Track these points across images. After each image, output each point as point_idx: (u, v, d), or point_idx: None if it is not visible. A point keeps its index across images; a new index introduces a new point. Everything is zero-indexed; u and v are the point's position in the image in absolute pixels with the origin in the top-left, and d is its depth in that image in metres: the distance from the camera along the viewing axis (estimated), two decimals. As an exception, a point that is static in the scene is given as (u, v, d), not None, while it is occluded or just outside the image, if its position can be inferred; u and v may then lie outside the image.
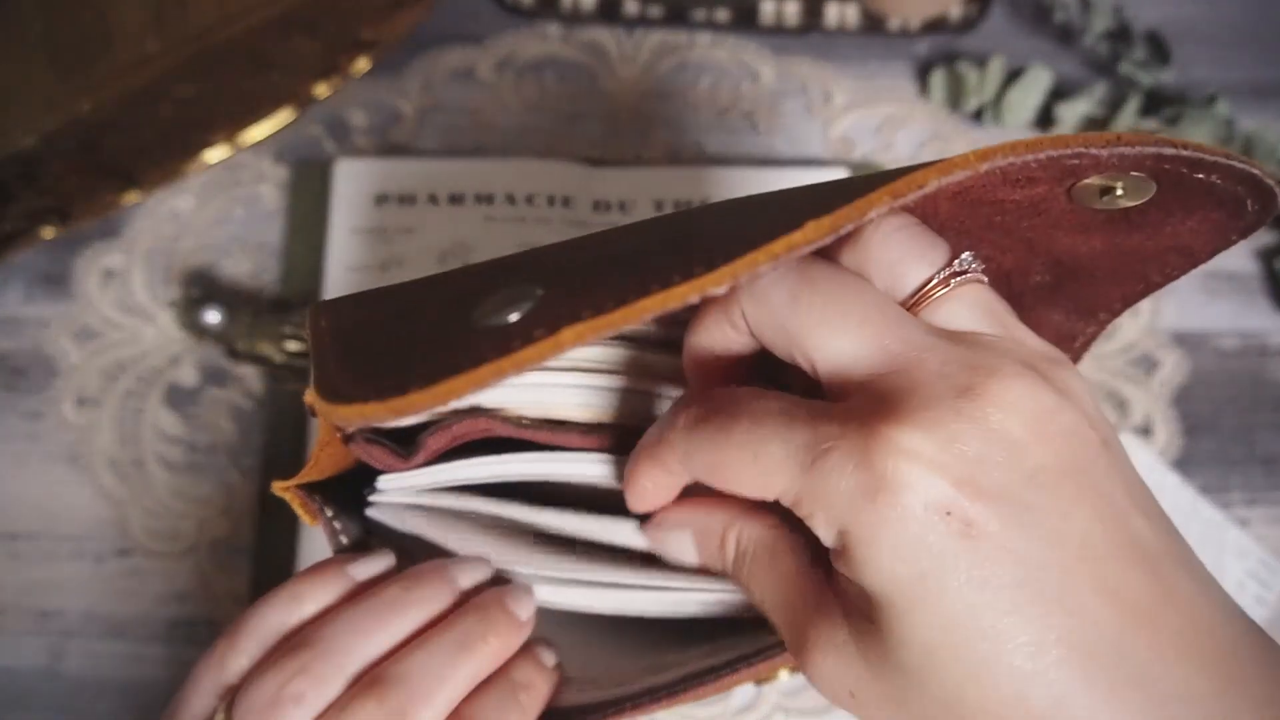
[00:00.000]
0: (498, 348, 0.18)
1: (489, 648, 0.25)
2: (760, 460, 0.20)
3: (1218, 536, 0.44)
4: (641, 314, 0.18)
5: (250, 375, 0.45)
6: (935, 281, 0.22)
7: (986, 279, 0.23)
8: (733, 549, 0.24)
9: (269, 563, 0.42)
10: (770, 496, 0.21)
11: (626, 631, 0.30)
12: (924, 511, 0.19)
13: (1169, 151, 0.19)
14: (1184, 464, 0.45)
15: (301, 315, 0.45)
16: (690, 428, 0.22)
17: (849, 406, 0.20)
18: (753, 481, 0.21)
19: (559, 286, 0.20)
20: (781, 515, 0.23)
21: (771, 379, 0.25)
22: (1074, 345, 0.28)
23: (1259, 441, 0.46)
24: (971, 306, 0.22)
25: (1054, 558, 0.19)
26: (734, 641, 0.27)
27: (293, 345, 0.44)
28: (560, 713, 0.28)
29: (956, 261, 0.22)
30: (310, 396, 0.22)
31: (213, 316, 0.44)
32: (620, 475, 0.25)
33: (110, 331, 0.46)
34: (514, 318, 0.19)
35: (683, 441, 0.22)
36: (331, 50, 0.48)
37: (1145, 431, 0.45)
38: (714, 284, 0.17)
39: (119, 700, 0.41)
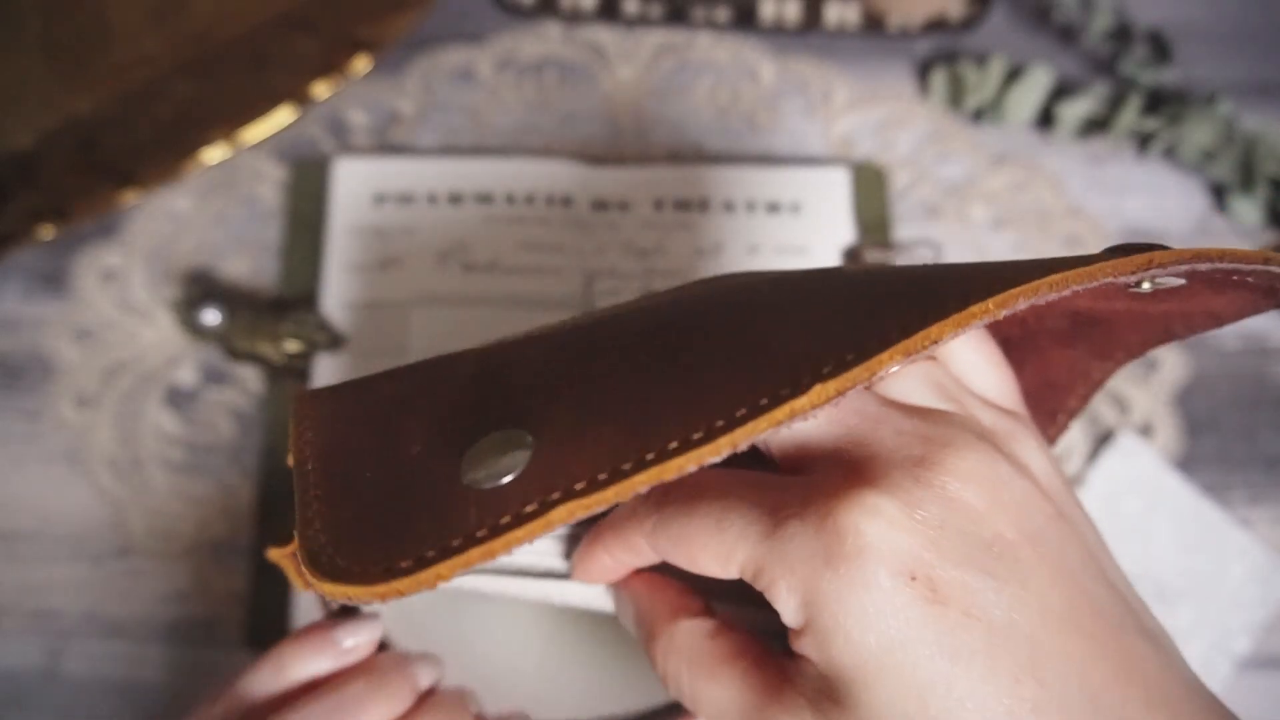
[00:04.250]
0: (488, 524, 0.18)
1: None
2: (723, 529, 0.20)
3: (1219, 537, 0.43)
4: (635, 488, 0.17)
5: (249, 375, 0.45)
6: None
7: (936, 355, 0.23)
8: (664, 654, 0.23)
9: (268, 563, 0.42)
10: (734, 570, 0.20)
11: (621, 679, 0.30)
12: (889, 577, 0.18)
13: (1204, 267, 0.18)
14: (1186, 464, 0.45)
15: (301, 315, 0.45)
16: (658, 504, 0.22)
17: (809, 478, 0.20)
18: (716, 552, 0.20)
19: (551, 431, 0.19)
20: (725, 616, 0.23)
21: (730, 460, 0.25)
22: (1090, 380, 0.27)
23: (1261, 441, 0.45)
24: (923, 383, 0.22)
25: (1019, 624, 0.18)
26: None
27: (292, 345, 0.44)
28: None
29: None
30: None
31: (212, 316, 0.44)
32: (569, 549, 0.25)
33: (109, 331, 0.46)
34: (507, 480, 0.18)
35: (651, 518, 0.22)
36: (331, 50, 0.48)
37: (1146, 431, 0.45)
38: (712, 454, 0.17)
39: (118, 701, 0.41)
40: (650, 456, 0.17)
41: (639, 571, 0.24)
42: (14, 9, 0.49)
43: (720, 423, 0.17)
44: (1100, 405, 0.46)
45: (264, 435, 0.44)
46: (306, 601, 0.41)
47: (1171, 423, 0.45)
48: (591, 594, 0.26)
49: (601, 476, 0.17)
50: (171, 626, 0.42)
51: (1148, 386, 0.46)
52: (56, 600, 0.42)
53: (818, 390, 0.17)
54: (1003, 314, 0.17)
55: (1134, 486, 0.44)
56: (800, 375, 0.17)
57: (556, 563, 0.26)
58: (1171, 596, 0.43)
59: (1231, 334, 0.47)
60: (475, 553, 0.17)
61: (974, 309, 0.17)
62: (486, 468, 0.19)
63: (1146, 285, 0.20)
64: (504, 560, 0.26)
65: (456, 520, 0.18)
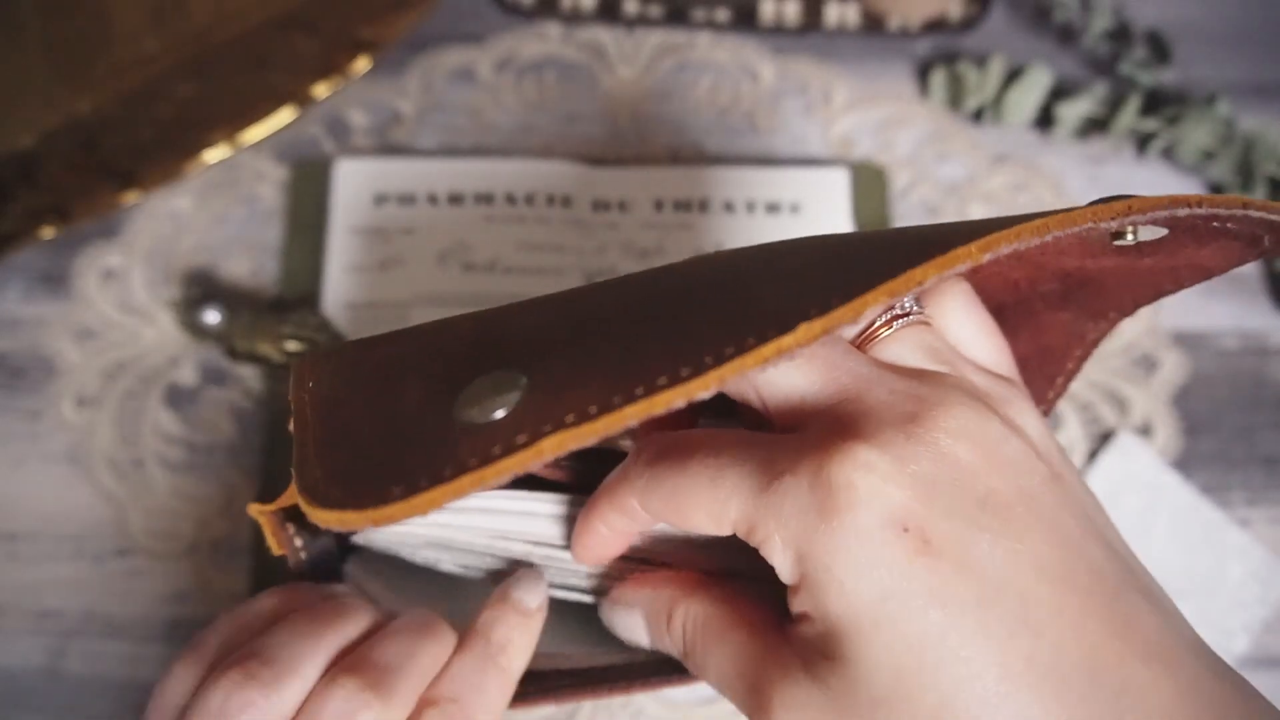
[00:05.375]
0: (479, 454, 0.18)
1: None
2: (717, 485, 0.20)
3: (1218, 537, 0.44)
4: (625, 421, 0.17)
5: (249, 375, 0.45)
6: (879, 323, 0.22)
7: (930, 321, 0.23)
8: (679, 629, 0.23)
9: (269, 563, 0.42)
10: (727, 526, 0.20)
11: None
12: (880, 527, 0.18)
13: (1183, 212, 0.19)
14: (1184, 464, 0.45)
15: (301, 315, 0.45)
16: (650, 462, 0.22)
17: (802, 435, 0.20)
18: (709, 508, 0.20)
19: (544, 374, 0.19)
20: (731, 587, 0.23)
21: (722, 421, 0.25)
22: (1085, 341, 0.28)
23: (1259, 441, 0.45)
24: (915, 347, 0.22)
25: (1012, 579, 0.18)
26: None
27: (292, 345, 0.44)
28: (539, 676, 0.28)
29: (898, 305, 0.22)
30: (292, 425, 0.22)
31: (212, 316, 0.44)
32: (568, 531, 0.25)
33: (110, 331, 0.46)
34: (499, 414, 0.19)
35: (643, 476, 0.22)
36: (331, 50, 0.48)
37: (1145, 431, 0.45)
38: (701, 389, 0.17)
39: (119, 700, 0.41)
40: (640, 391, 0.17)
41: (641, 576, 0.24)
42: (14, 9, 0.49)
43: (709, 360, 0.17)
44: (1100, 405, 0.46)
45: (264, 435, 0.44)
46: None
47: (1170, 423, 0.46)
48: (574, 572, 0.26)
49: (592, 410, 0.18)
50: (171, 626, 0.42)
51: (1147, 387, 0.46)
52: (57, 600, 0.42)
53: (804, 329, 0.17)
54: (986, 257, 0.18)
55: (1133, 486, 0.44)
56: (788, 318, 0.17)
57: (555, 536, 0.26)
58: (1171, 596, 0.43)
59: (1231, 334, 0.47)
60: (466, 480, 0.18)
61: (958, 252, 0.18)
62: (479, 405, 0.19)
63: (1130, 236, 0.20)
64: (501, 545, 0.26)
65: (448, 452, 0.18)
